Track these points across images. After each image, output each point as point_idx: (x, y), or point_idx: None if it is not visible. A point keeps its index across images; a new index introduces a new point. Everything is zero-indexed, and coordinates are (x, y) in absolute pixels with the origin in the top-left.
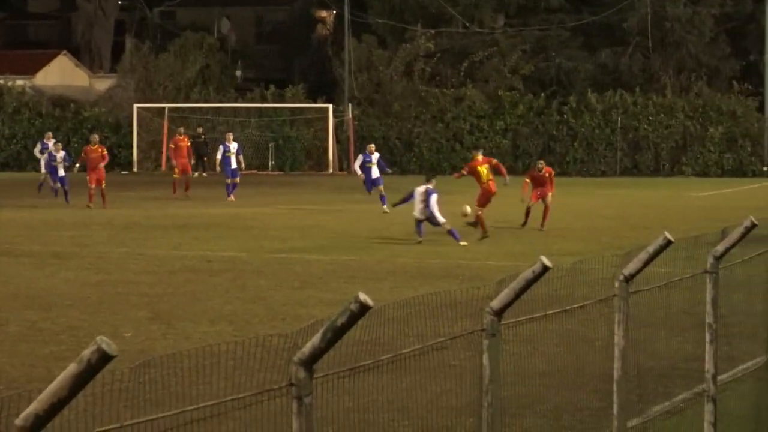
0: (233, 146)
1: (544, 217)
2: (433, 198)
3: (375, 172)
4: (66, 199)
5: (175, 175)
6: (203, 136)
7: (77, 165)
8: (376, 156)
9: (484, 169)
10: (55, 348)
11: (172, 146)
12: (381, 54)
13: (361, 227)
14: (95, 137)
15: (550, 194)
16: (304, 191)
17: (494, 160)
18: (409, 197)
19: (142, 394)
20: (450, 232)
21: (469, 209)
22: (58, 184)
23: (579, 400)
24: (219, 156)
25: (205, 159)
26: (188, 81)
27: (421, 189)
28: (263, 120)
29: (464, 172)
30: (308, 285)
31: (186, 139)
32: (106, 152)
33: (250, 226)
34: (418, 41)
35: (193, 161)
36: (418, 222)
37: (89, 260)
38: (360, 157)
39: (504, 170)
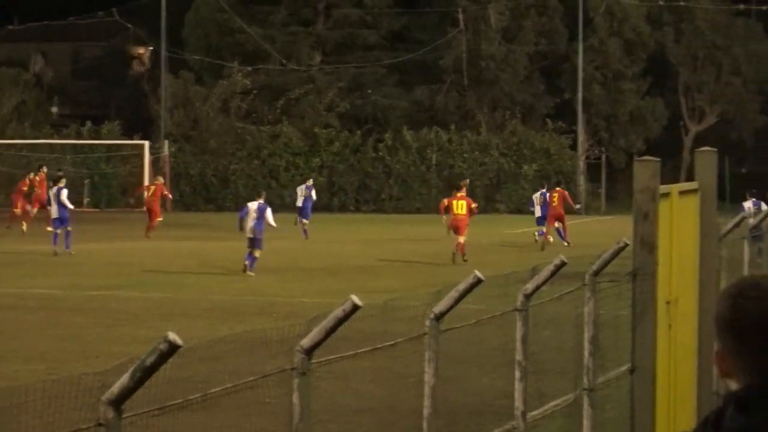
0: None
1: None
2: (268, 211)
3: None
4: None
5: None
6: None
7: None
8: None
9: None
10: None
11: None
12: (198, 90)
13: (177, 264)
14: None
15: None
16: (119, 228)
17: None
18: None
19: None
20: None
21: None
22: None
23: None
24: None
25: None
26: (3, 117)
27: (254, 205)
28: (79, 156)
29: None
30: (123, 322)
31: None
32: None
33: (65, 264)
34: (234, 78)
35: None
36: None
37: None
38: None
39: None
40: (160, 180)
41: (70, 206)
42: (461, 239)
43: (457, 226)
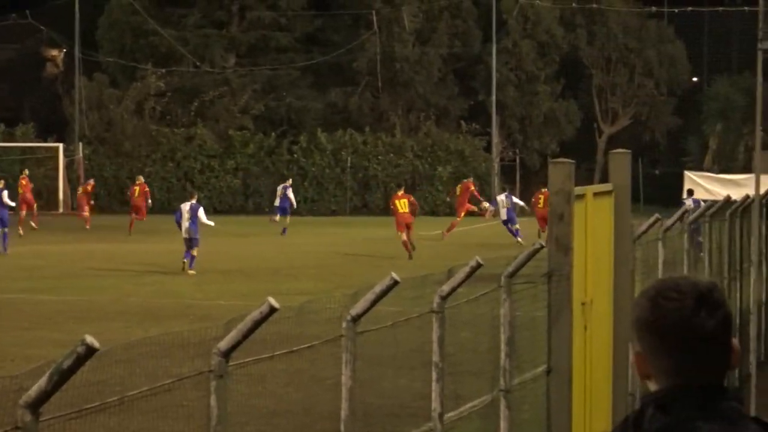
0: None
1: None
2: (201, 211)
3: None
4: None
5: None
6: None
7: None
8: None
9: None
10: None
11: None
12: (112, 93)
13: (92, 267)
14: None
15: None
16: (33, 231)
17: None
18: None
19: None
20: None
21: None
22: None
23: None
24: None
25: None
26: None
27: (186, 206)
28: None
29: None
30: (38, 325)
31: None
32: None
33: None
34: (148, 80)
35: None
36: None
37: None
38: None
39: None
40: (141, 179)
41: (12, 204)
42: (404, 236)
43: (404, 223)
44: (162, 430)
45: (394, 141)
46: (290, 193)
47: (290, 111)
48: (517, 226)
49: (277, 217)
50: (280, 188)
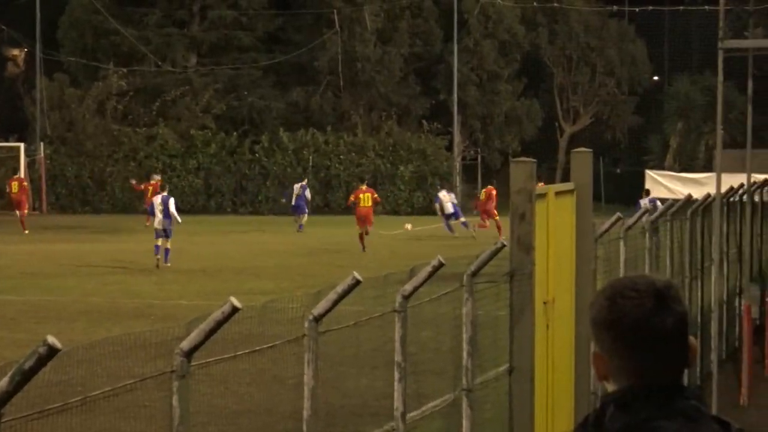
0: None
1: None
2: (171, 202)
3: None
4: None
5: None
6: None
7: None
8: None
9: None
10: None
11: None
12: (73, 92)
13: (54, 267)
14: None
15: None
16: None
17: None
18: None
19: None
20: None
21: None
22: None
23: None
24: None
25: None
26: None
27: (158, 199)
28: None
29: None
30: None
31: None
32: None
33: None
34: (110, 79)
35: None
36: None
37: None
38: None
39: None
40: (156, 178)
41: None
42: (368, 229)
43: (365, 216)
44: (124, 430)
45: (355, 140)
46: (307, 192)
47: (252, 110)
48: (463, 219)
49: (297, 217)
50: (297, 187)
